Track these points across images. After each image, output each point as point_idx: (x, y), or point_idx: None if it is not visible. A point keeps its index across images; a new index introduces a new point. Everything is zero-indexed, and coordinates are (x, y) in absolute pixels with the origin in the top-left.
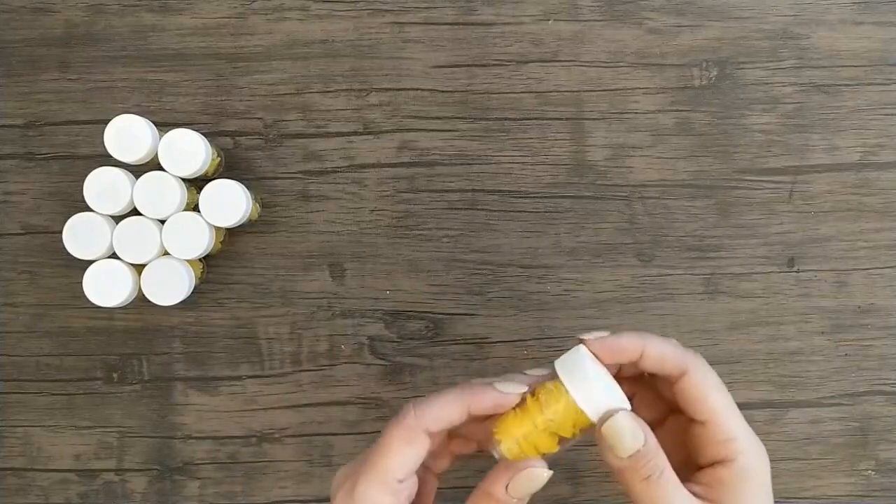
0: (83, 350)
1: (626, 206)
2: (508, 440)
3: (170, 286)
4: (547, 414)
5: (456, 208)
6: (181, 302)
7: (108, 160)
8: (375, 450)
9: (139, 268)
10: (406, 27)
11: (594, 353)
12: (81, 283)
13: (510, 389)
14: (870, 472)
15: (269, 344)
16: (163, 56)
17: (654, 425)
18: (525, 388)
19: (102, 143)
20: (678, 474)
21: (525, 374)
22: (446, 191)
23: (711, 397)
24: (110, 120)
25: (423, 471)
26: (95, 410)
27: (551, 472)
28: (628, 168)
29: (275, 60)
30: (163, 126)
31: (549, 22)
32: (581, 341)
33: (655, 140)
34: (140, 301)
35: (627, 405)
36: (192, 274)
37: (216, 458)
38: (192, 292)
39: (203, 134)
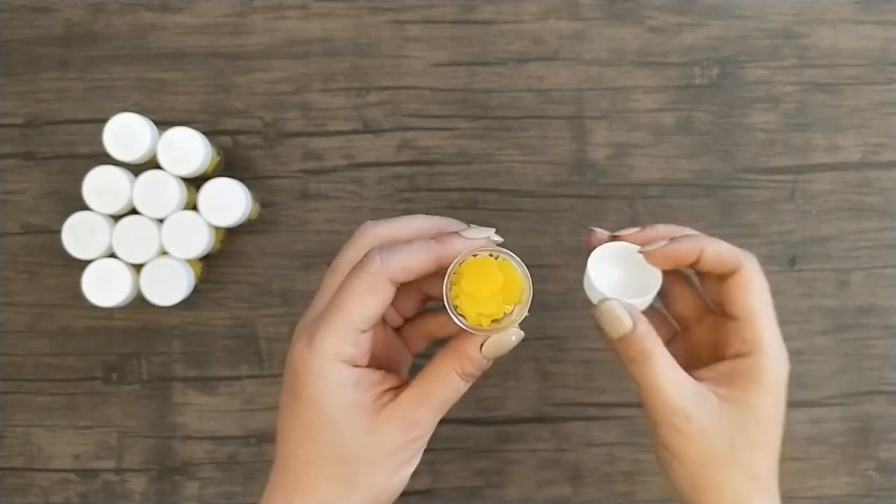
0: (82, 350)
1: (628, 205)
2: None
3: (169, 286)
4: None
5: (456, 207)
6: (180, 302)
7: (107, 159)
8: (338, 297)
9: (138, 267)
10: (406, 25)
11: (651, 262)
12: (80, 282)
13: (477, 234)
14: (871, 471)
15: (268, 344)
16: (162, 55)
17: (692, 322)
18: (492, 230)
19: (102, 141)
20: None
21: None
22: (446, 190)
23: (753, 297)
24: (110, 119)
25: (396, 340)
26: (95, 410)
27: (522, 334)
28: (629, 167)
29: (274, 59)
30: (162, 125)
31: (550, 20)
32: (615, 238)
33: (656, 139)
34: (139, 301)
35: (645, 297)
36: (192, 273)
37: (215, 458)
38: (192, 292)
39: (202, 133)
